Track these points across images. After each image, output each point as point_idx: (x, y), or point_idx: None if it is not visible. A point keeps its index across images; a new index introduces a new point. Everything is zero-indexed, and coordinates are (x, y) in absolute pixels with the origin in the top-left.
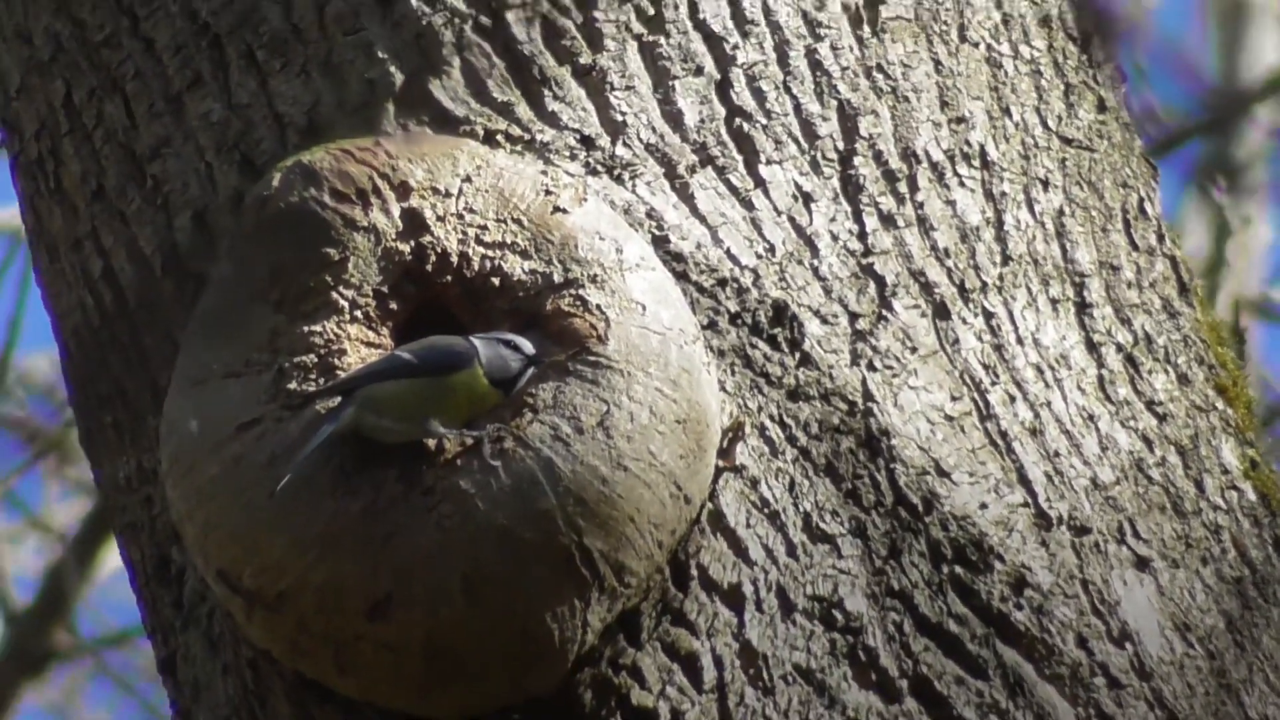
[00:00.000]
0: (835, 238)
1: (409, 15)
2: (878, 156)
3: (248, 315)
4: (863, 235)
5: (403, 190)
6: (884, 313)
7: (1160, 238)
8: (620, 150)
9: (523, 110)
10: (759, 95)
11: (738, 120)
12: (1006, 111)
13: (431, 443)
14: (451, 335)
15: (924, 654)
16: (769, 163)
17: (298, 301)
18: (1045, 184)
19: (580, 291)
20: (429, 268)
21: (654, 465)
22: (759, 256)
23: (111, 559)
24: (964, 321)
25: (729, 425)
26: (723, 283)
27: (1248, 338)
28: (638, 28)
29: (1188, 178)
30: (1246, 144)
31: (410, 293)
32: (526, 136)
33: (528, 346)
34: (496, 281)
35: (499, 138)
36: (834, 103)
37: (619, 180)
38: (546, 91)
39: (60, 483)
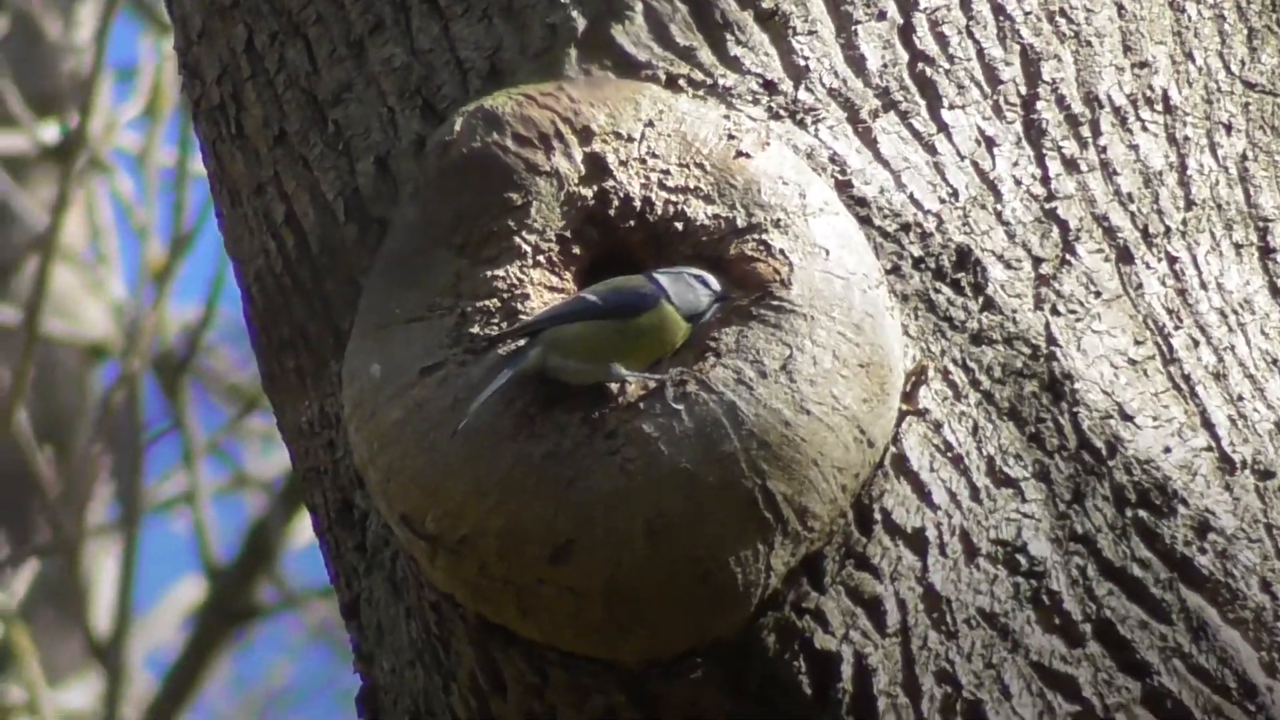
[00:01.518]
0: (1018, 182)
1: None
2: (1060, 101)
3: (430, 260)
4: (1046, 180)
5: (585, 135)
6: (1067, 257)
7: None
8: (803, 95)
9: (705, 55)
10: (942, 40)
11: (920, 65)
12: (1189, 56)
13: (614, 386)
14: (634, 275)
15: (1107, 598)
16: (952, 107)
17: (480, 246)
18: (1228, 129)
19: (763, 236)
20: (612, 212)
21: (837, 409)
22: (942, 201)
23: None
24: (1147, 266)
25: (912, 369)
26: (906, 227)
27: None
28: None
29: None
30: None
31: (593, 238)
32: (709, 81)
33: (715, 282)
34: (679, 226)
35: (681, 82)
36: (1017, 47)
37: (802, 125)
38: (729, 36)
39: (262, 438)
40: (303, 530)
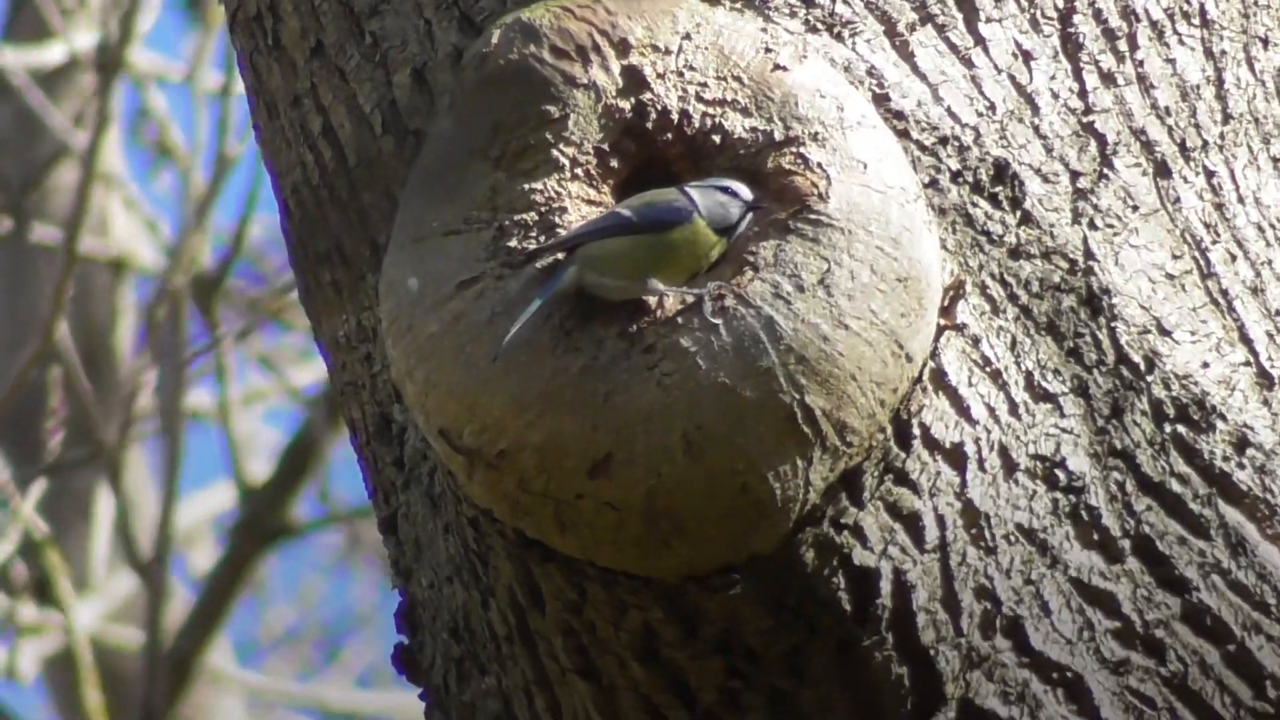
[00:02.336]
0: (1056, 96)
1: None
2: (1097, 15)
3: (467, 173)
4: (1083, 93)
5: (622, 47)
6: (1105, 171)
7: None
8: (840, 8)
9: None
10: None
11: None
12: None
13: (652, 300)
14: (667, 188)
15: (1146, 513)
16: (989, 20)
17: (517, 159)
18: (1265, 42)
19: (801, 149)
20: (649, 125)
21: (875, 323)
22: (979, 115)
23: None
24: (1185, 180)
25: (950, 283)
26: (943, 141)
27: None
28: None
29: None
30: None
31: (631, 150)
32: None
33: (745, 191)
34: (717, 139)
35: None
36: None
37: (839, 38)
38: None
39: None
40: (343, 445)
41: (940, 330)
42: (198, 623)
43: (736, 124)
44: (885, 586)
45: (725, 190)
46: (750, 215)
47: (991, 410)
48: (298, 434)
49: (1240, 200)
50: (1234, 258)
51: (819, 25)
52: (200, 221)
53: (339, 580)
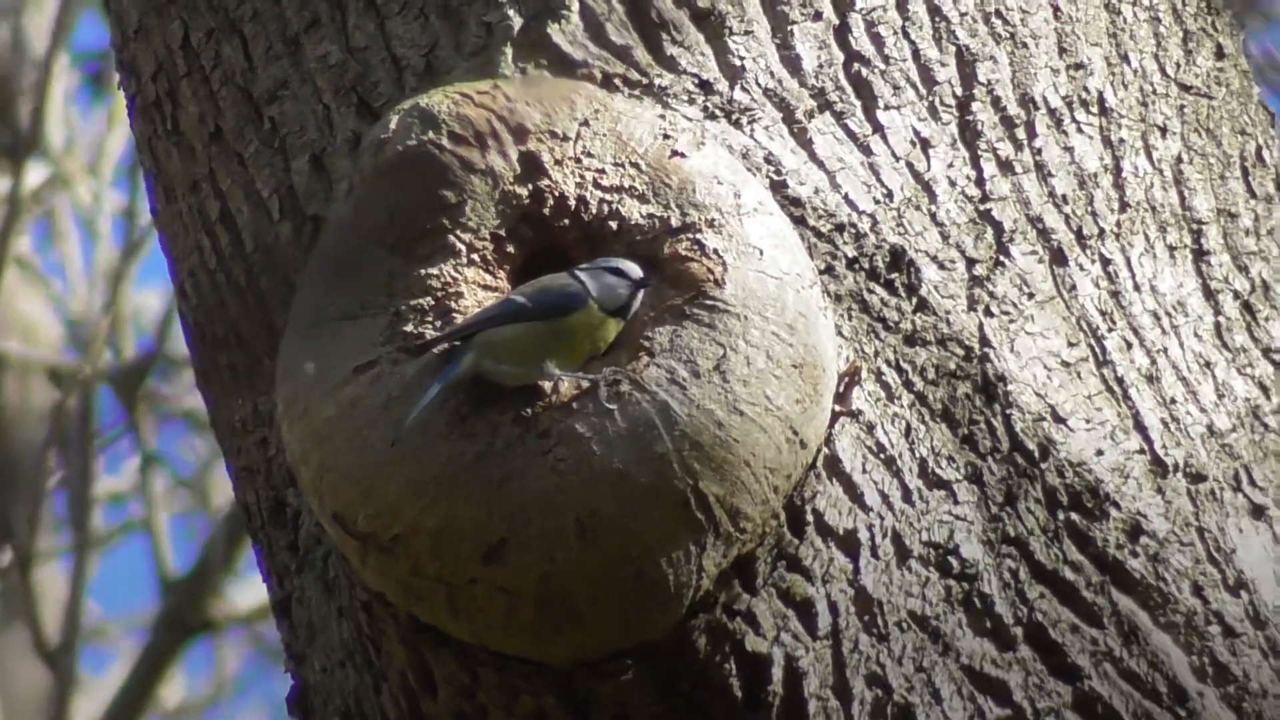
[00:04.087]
0: (953, 183)
1: None
2: (996, 102)
3: (365, 258)
4: (980, 181)
5: (520, 134)
6: (1001, 258)
7: (1278, 185)
8: (738, 95)
9: (641, 54)
10: (877, 40)
11: (856, 65)
12: (1125, 58)
13: (548, 385)
14: (559, 273)
15: (1039, 601)
16: (887, 108)
17: (414, 244)
18: (1163, 131)
19: (697, 235)
20: (546, 211)
21: (770, 410)
22: (876, 202)
23: None
24: (1081, 268)
25: (845, 370)
26: (840, 228)
27: None
28: None
29: None
30: None
31: (527, 236)
32: (644, 81)
33: (634, 269)
34: (614, 225)
35: (617, 81)
36: (952, 48)
37: (737, 125)
38: (665, 35)
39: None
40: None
41: (835, 416)
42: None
43: (633, 210)
44: (777, 673)
45: (614, 271)
46: (641, 293)
47: (885, 497)
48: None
49: (1136, 288)
50: (1129, 345)
51: (717, 112)
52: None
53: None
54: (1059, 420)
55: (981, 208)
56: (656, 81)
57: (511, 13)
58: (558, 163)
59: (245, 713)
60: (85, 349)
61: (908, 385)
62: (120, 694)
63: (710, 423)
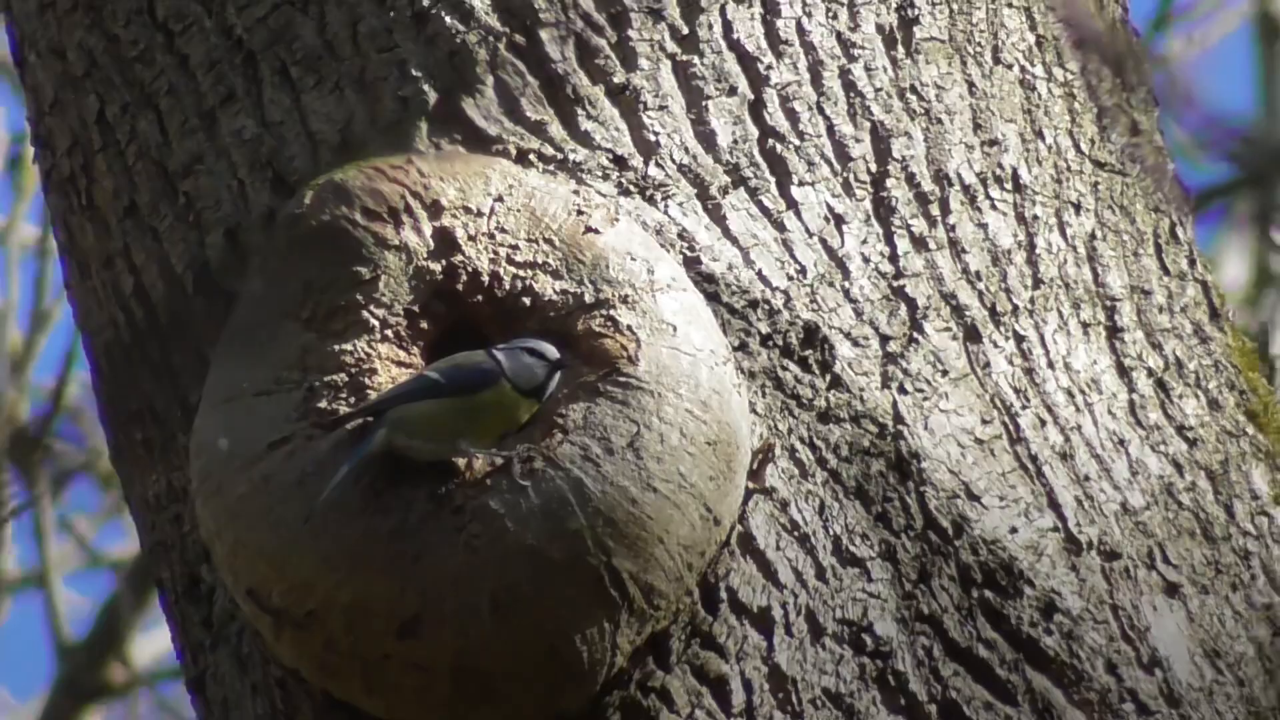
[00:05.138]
0: (867, 260)
1: (442, 33)
2: (910, 179)
3: (278, 333)
4: (894, 257)
5: (434, 209)
6: (915, 335)
7: (1192, 262)
8: (653, 170)
9: (555, 129)
10: (792, 116)
11: (770, 141)
12: (1039, 134)
13: (462, 462)
14: (474, 350)
15: (953, 679)
16: (801, 184)
17: (328, 319)
18: (1077, 207)
19: (611, 312)
20: (460, 287)
21: (684, 487)
22: (790, 278)
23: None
24: (995, 345)
25: (759, 447)
26: (754, 304)
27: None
28: (671, 47)
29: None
30: None
31: (441, 312)
32: (559, 156)
33: (551, 351)
34: (527, 301)
35: (531, 157)
36: (867, 124)
37: (651, 201)
38: (580, 111)
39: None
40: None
41: (749, 494)
42: None
43: (547, 286)
44: None
45: (531, 351)
46: (558, 375)
47: (799, 574)
48: (112, 596)
49: (1050, 365)
50: (1043, 423)
51: (631, 188)
52: (18, 379)
53: None
54: (973, 498)
55: (895, 284)
56: (571, 157)
57: (426, 87)
58: (471, 238)
59: None
60: None
61: (821, 463)
62: None
63: (624, 499)
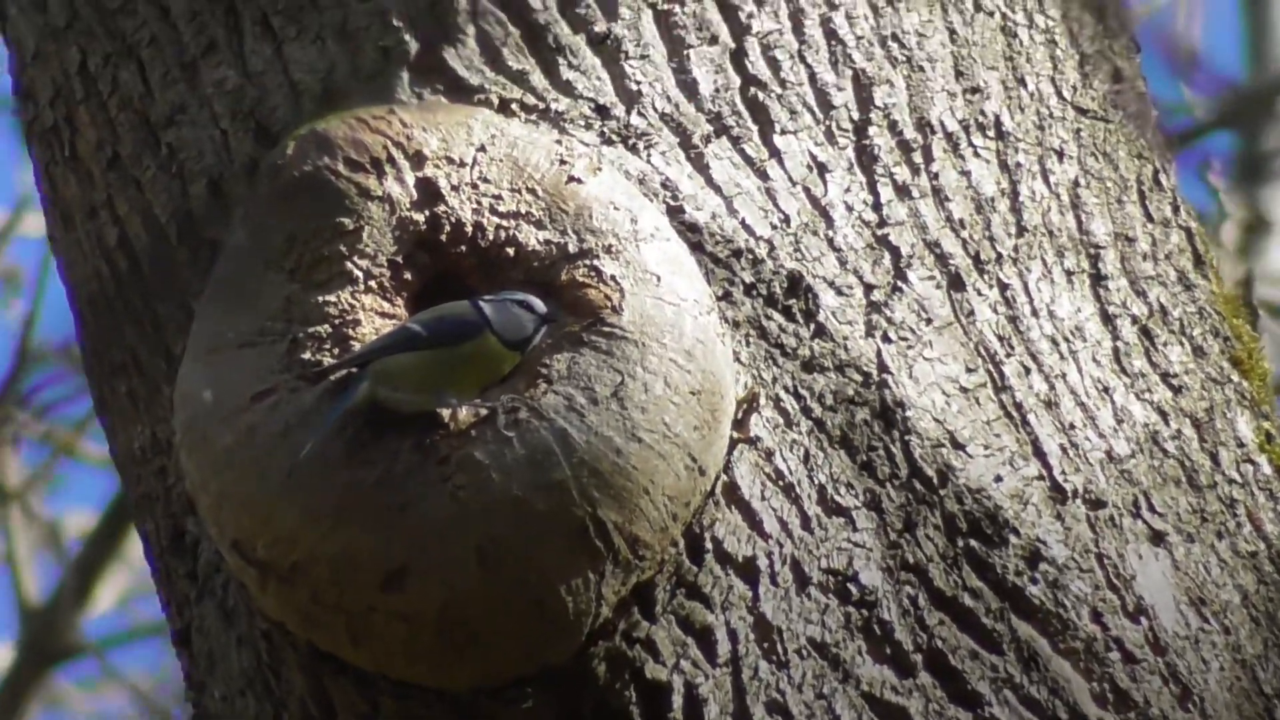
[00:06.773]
0: (850, 208)
1: None
2: (893, 127)
3: (262, 284)
4: (878, 206)
5: (417, 159)
6: (899, 284)
7: (1175, 209)
8: (635, 120)
9: (537, 79)
10: (774, 64)
11: (752, 90)
12: (1021, 81)
13: (446, 413)
14: (460, 301)
15: (938, 628)
16: (784, 133)
17: (312, 270)
18: (1060, 155)
19: (595, 262)
20: (443, 237)
21: (668, 437)
22: (774, 227)
23: (134, 552)
24: (979, 293)
25: (744, 396)
26: (737, 253)
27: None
28: None
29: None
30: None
31: (425, 263)
32: (541, 105)
33: (539, 304)
34: (511, 252)
35: (513, 106)
36: (849, 72)
37: (634, 150)
38: (561, 60)
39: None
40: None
41: (734, 444)
42: None
43: (530, 237)
44: (677, 700)
45: (520, 303)
46: (545, 328)
47: (784, 524)
48: (80, 552)
49: (1034, 313)
50: (1028, 371)
51: (614, 137)
52: None
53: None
54: (957, 446)
55: (879, 233)
56: (553, 106)
57: (408, 37)
58: (455, 188)
59: None
60: None
61: (806, 412)
62: None
63: (609, 450)
